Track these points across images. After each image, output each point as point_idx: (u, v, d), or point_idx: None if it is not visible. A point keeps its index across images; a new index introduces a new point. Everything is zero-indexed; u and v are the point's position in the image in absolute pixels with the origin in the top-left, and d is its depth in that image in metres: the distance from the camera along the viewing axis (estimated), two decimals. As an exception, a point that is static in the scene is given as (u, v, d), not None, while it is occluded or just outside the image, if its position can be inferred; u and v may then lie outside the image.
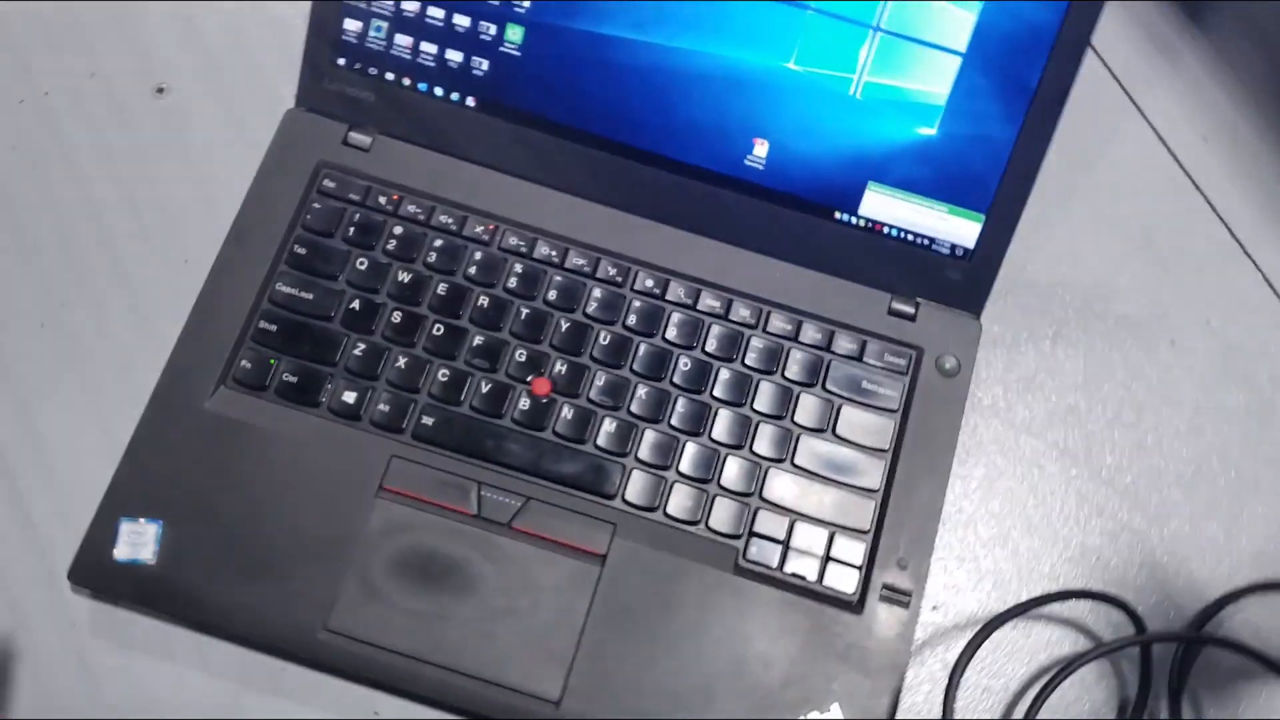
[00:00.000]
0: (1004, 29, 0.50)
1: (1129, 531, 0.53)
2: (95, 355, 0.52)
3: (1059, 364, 0.56)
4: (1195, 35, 0.62)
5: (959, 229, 0.53)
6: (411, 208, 0.53)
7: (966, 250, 0.53)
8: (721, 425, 0.51)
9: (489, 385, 0.50)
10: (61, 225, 0.54)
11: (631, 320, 0.52)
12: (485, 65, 0.53)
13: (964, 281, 0.54)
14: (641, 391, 0.51)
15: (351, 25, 0.53)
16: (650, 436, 0.50)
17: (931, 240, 0.53)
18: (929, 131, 0.52)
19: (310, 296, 0.51)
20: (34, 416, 0.51)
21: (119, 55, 0.58)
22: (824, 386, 0.52)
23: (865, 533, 0.50)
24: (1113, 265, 0.58)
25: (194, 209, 0.55)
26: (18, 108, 0.56)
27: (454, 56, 0.53)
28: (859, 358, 0.52)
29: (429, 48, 0.53)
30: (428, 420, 0.50)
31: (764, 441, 0.51)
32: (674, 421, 0.51)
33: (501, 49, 0.53)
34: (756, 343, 0.52)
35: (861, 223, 0.54)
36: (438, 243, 0.53)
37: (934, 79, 0.51)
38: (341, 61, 0.54)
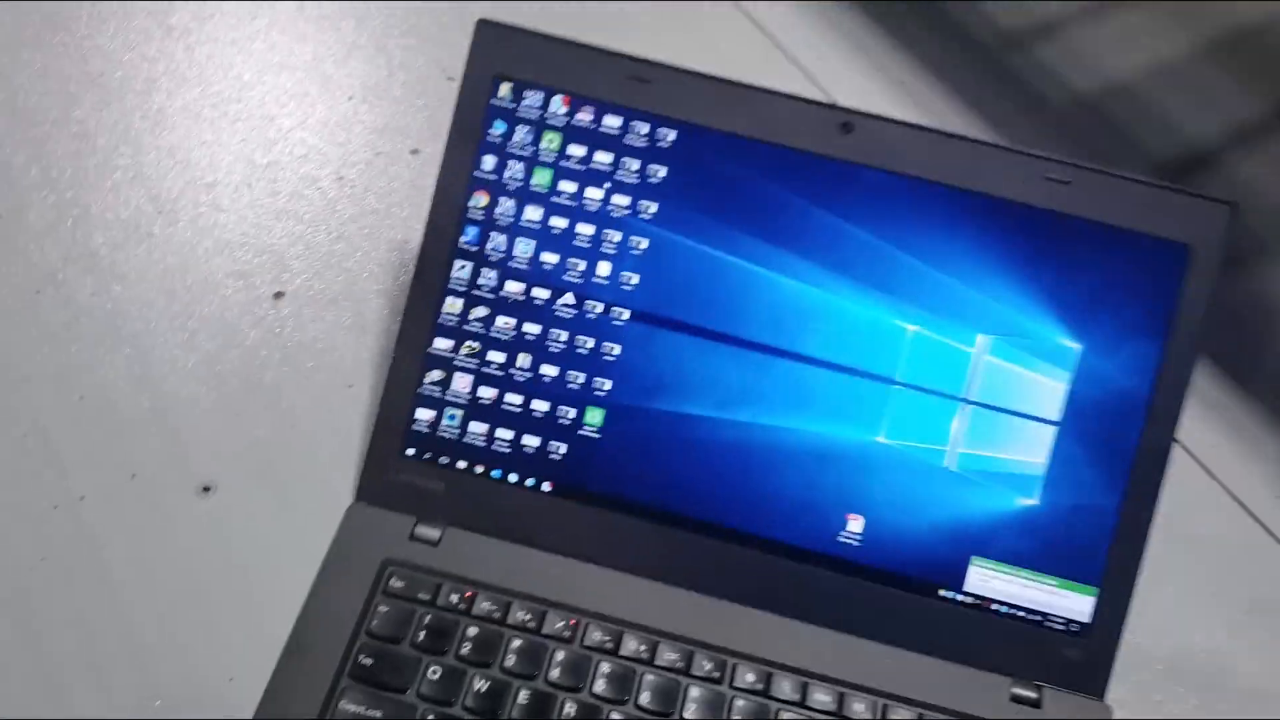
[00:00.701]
0: (1096, 397, 0.49)
1: None
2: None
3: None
4: (1251, 404, 0.63)
5: (1072, 603, 0.50)
6: (486, 604, 0.49)
7: (1083, 625, 0.50)
8: None
9: (584, 812, 0.43)
10: (92, 650, 0.48)
11: (737, 723, 0.47)
12: (563, 449, 0.51)
13: (1084, 660, 0.50)
14: (759, 810, 0.44)
15: (424, 415, 0.52)
16: None
17: (1044, 616, 0.50)
18: (1030, 502, 0.50)
19: (379, 715, 0.45)
20: None
21: (162, 452, 0.55)
22: (962, 793, 0.46)
23: None
24: (1225, 638, 0.54)
25: (242, 619, 0.49)
26: (50, 514, 0.52)
27: (530, 442, 0.51)
28: (994, 757, 0.47)
29: (505, 434, 0.51)
30: None
31: None
32: (800, 846, 0.44)
33: (580, 432, 0.51)
34: (879, 743, 0.47)
35: (968, 600, 0.50)
36: (516, 643, 0.48)
37: (1030, 449, 0.50)
38: (410, 452, 0.52)
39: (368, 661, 0.46)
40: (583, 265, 0.51)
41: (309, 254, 0.64)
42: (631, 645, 0.48)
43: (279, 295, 0.62)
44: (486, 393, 0.51)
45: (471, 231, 0.51)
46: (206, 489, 0.54)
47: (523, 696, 0.46)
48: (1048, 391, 0.50)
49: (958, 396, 0.50)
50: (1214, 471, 0.60)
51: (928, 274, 0.50)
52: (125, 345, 0.58)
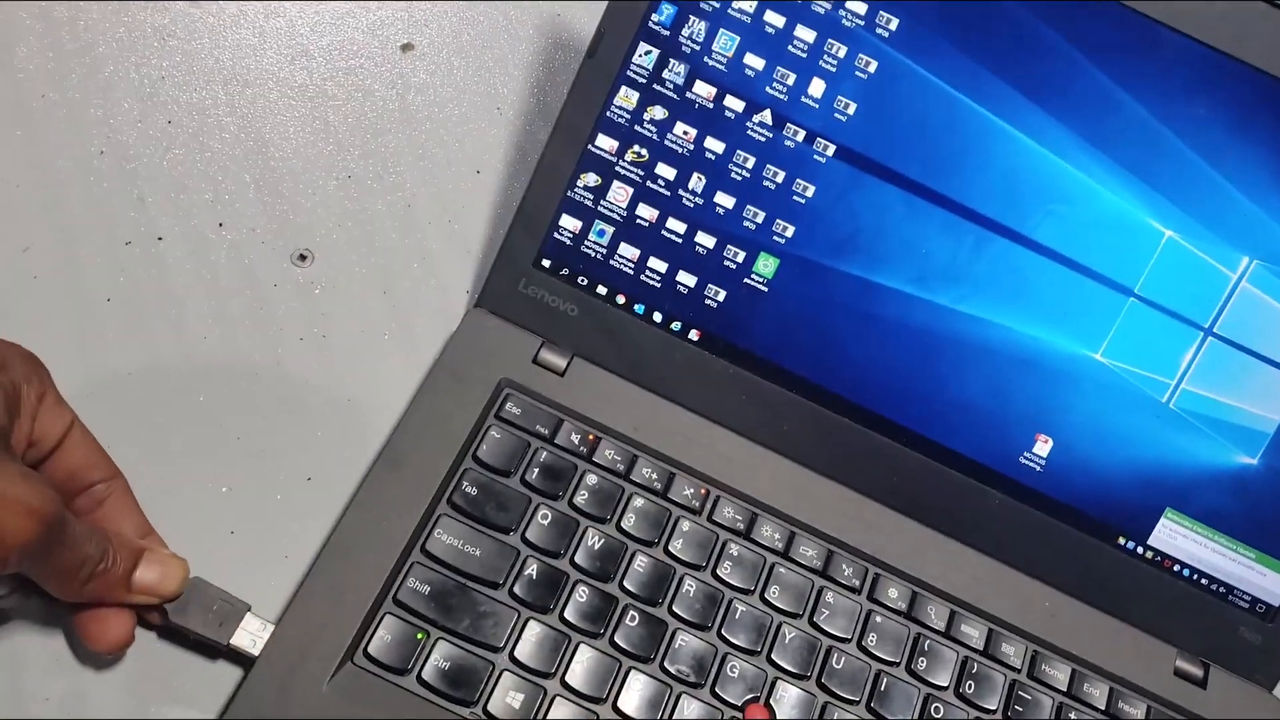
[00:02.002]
0: (1364, 358, 0.41)
1: None
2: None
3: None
4: None
5: (1266, 582, 0.43)
6: (610, 453, 0.42)
7: (1271, 609, 0.43)
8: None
9: (693, 707, 0.38)
10: (174, 409, 0.42)
11: (872, 641, 0.41)
12: (722, 296, 0.44)
13: (1262, 646, 0.44)
14: (885, 741, 0.39)
15: (569, 223, 0.44)
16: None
17: (1231, 590, 0.43)
18: (1250, 461, 0.42)
19: (478, 553, 0.39)
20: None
21: (256, 204, 0.47)
22: (1109, 766, 0.40)
23: None
24: None
25: (329, 411, 0.43)
26: (124, 249, 0.45)
27: (686, 280, 0.44)
28: (1147, 731, 0.41)
29: (658, 265, 0.44)
30: (611, 747, 0.37)
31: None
32: (925, 789, 0.38)
33: (746, 280, 0.43)
34: (1024, 694, 0.41)
35: (1150, 555, 0.44)
36: (638, 502, 0.41)
37: (1267, 402, 0.42)
38: (546, 263, 0.44)
39: (471, 491, 0.40)
40: (792, 79, 0.42)
41: (446, 4, 0.54)
42: (766, 531, 0.42)
43: (407, 47, 0.53)
44: (647, 212, 0.43)
45: (667, 10, 0.42)
46: (303, 257, 0.47)
47: (639, 563, 0.40)
48: (1309, 339, 0.42)
49: (1201, 325, 0.42)
50: None
51: (1204, 172, 0.41)
52: (224, 76, 0.50)
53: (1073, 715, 0.41)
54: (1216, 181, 0.41)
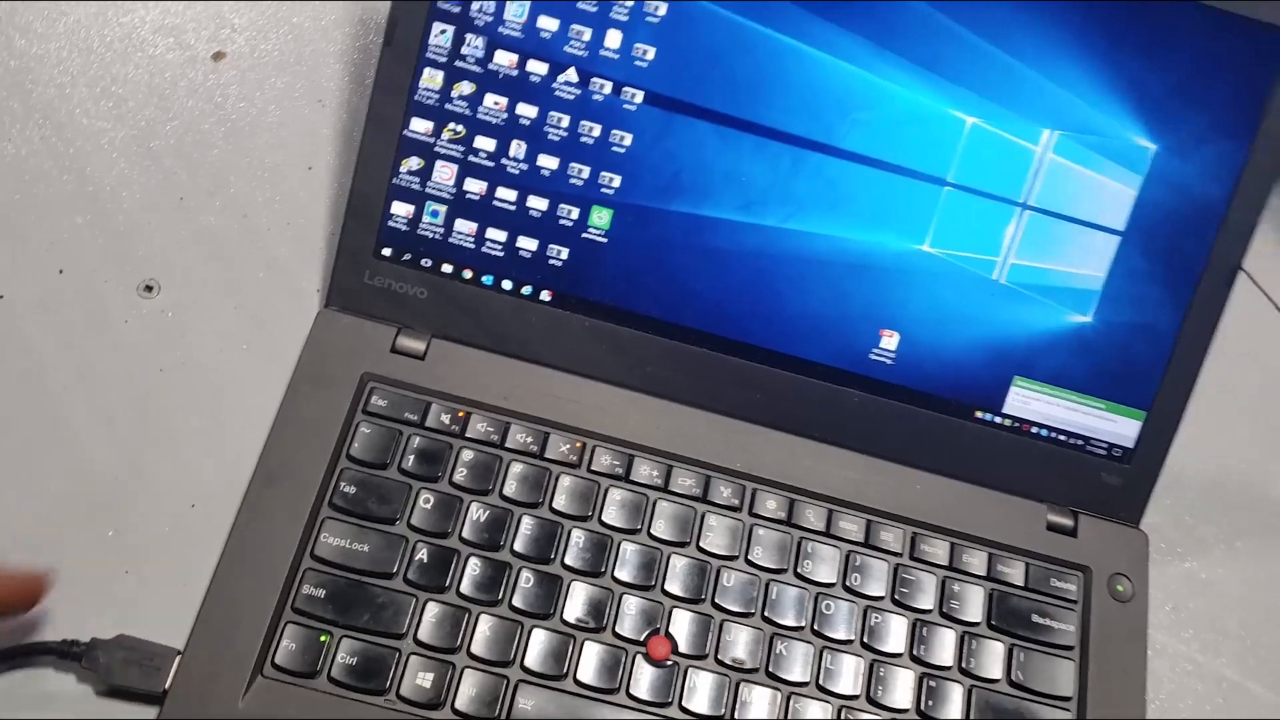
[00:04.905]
0: (1167, 205, 0.44)
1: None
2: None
3: (1226, 570, 0.48)
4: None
5: (1117, 428, 0.46)
6: (482, 425, 0.43)
7: (1126, 451, 0.46)
8: (887, 686, 0.41)
9: (596, 651, 0.40)
10: (29, 472, 0.42)
11: (757, 554, 0.43)
12: (564, 254, 0.45)
13: (1123, 487, 0.47)
14: (780, 648, 0.41)
15: (401, 210, 0.44)
16: (807, 708, 0.41)
17: (1087, 441, 0.46)
18: (1083, 319, 0.45)
19: (366, 548, 0.40)
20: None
21: (92, 243, 0.47)
22: (991, 625, 0.43)
23: (1064, 808, 0.41)
24: (1261, 461, 0.51)
25: (200, 438, 0.44)
26: (-33, 314, 0.45)
27: (527, 245, 0.45)
28: (1026, 586, 0.44)
29: (497, 235, 0.45)
30: (526, 704, 0.39)
31: (942, 704, 0.41)
32: (825, 683, 0.41)
33: (584, 235, 0.45)
34: (908, 575, 0.44)
35: (1007, 423, 0.46)
36: (516, 468, 0.43)
37: (1089, 261, 0.44)
38: (387, 252, 0.45)
39: (350, 490, 0.41)
40: (588, 34, 0.43)
41: (252, 7, 0.54)
42: (643, 470, 0.44)
43: (218, 56, 0.52)
44: (474, 185, 0.44)
45: (455, -13, 0.42)
46: (149, 288, 0.47)
47: (525, 526, 0.42)
48: (1115, 197, 0.44)
49: (1015, 200, 0.44)
50: (1272, 293, 0.56)
51: (993, 56, 0.43)
52: (37, 115, 0.49)
53: (956, 586, 0.44)
54: (1007, 63, 0.43)
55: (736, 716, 0.40)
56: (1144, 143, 0.43)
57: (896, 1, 0.42)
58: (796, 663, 0.41)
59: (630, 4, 0.42)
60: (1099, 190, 0.44)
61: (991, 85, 0.43)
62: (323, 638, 0.39)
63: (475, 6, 0.42)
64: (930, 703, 0.41)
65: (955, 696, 0.42)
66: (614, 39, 0.43)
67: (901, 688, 0.41)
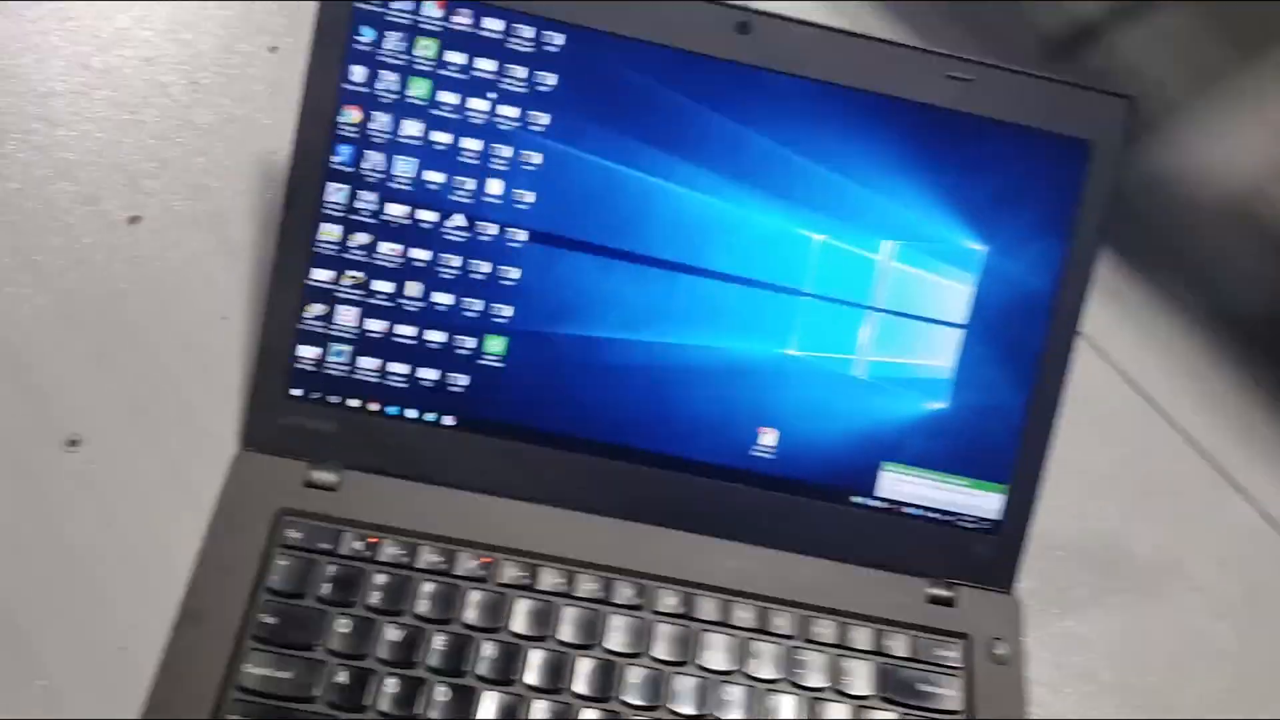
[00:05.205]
0: (1002, 297, 0.49)
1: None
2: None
3: (1099, 626, 0.53)
4: (1138, 282, 0.64)
5: (982, 502, 0.50)
6: (392, 549, 0.46)
7: (993, 523, 0.51)
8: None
9: (511, 754, 0.43)
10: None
11: (660, 650, 0.46)
12: (464, 381, 0.49)
13: (994, 556, 0.51)
14: (685, 733, 0.44)
15: (308, 352, 0.48)
16: (703, 786, 0.43)
17: (956, 516, 0.50)
18: (939, 405, 0.50)
19: (288, 675, 0.43)
20: None
21: (16, 402, 0.50)
22: (883, 697, 0.47)
23: None
24: (1120, 520, 0.56)
25: (127, 582, 0.46)
26: (-104, 482, 0.47)
27: (428, 375, 0.48)
28: (911, 658, 0.48)
29: (398, 369, 0.48)
30: (446, 811, 0.41)
31: (833, 775, 0.45)
32: (728, 764, 0.44)
33: (481, 362, 0.48)
34: (802, 656, 0.47)
35: (881, 505, 0.50)
36: (427, 587, 0.46)
37: (938, 353, 0.49)
38: (297, 392, 0.48)
39: (270, 620, 0.44)
40: (472, 184, 0.47)
41: (164, 171, 0.58)
42: (548, 579, 0.47)
43: (135, 220, 0.56)
44: (375, 325, 0.48)
45: (345, 151, 0.47)
46: (73, 442, 0.50)
47: (438, 642, 0.45)
48: (954, 295, 0.49)
49: (865, 304, 0.49)
50: (1112, 358, 0.61)
51: (831, 180, 0.48)
52: (-39, 289, 0.52)
53: (846, 663, 0.47)
54: (846, 186, 0.48)
55: (647, 805, 0.43)
56: (975, 246, 0.49)
57: (745, 140, 0.47)
58: (701, 748, 0.44)
59: (508, 155, 0.47)
60: (939, 290, 0.49)
61: (834, 206, 0.48)
62: (249, 765, 0.41)
63: (366, 164, 0.47)
64: (828, 775, 0.44)
65: (851, 767, 0.45)
66: (496, 186, 0.47)
67: (800, 763, 0.44)
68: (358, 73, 0.47)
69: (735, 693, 0.46)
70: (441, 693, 0.43)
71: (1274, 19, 0.79)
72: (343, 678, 0.43)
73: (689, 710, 0.45)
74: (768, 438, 0.50)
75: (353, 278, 0.48)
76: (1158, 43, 0.76)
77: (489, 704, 0.44)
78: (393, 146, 0.47)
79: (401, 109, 0.47)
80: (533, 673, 0.45)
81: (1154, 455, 0.59)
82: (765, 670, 0.46)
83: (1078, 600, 0.53)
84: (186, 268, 0.55)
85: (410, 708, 0.43)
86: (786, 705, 0.46)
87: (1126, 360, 0.61)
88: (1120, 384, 0.60)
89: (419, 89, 0.47)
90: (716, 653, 0.46)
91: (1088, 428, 0.57)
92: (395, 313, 0.48)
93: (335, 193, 0.47)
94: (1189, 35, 0.77)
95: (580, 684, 0.45)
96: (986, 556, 0.51)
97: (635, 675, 0.45)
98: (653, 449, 0.49)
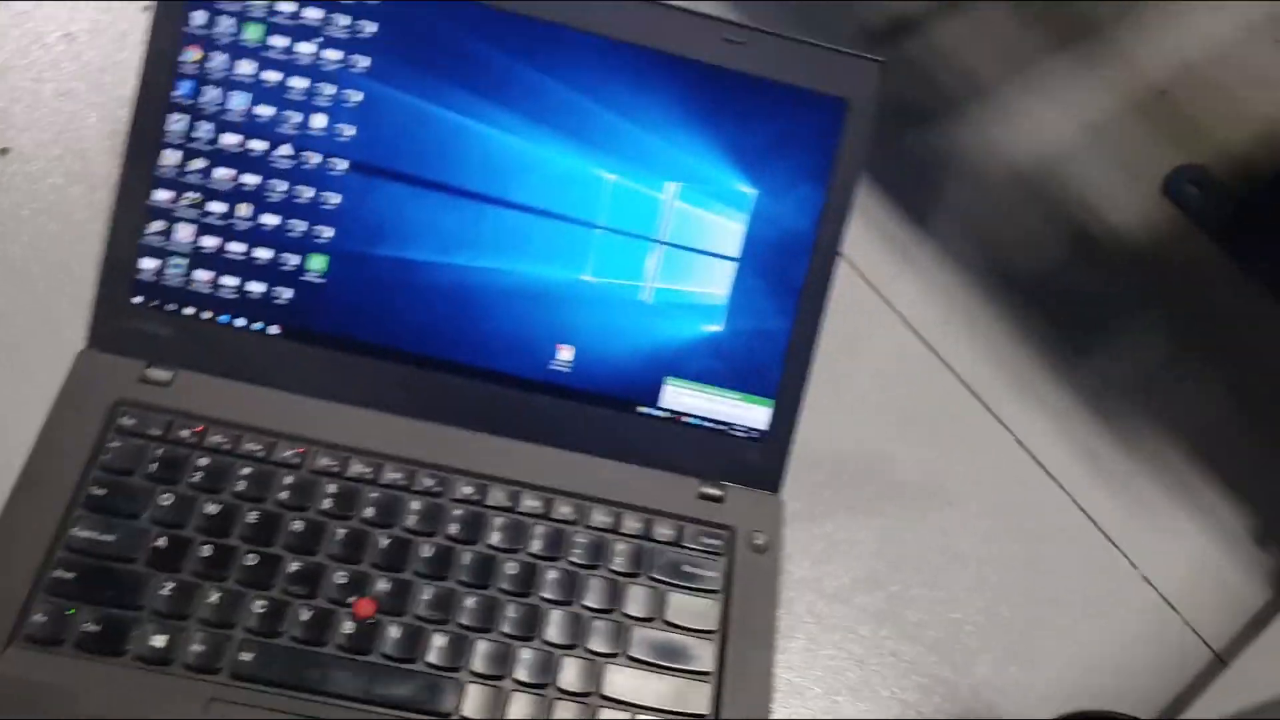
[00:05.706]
0: (770, 235, 0.56)
1: (941, 683, 0.56)
2: None
3: (855, 533, 0.60)
4: (924, 238, 0.72)
5: (752, 414, 0.57)
6: (216, 438, 0.52)
7: (761, 433, 0.58)
8: (554, 626, 0.51)
9: (309, 612, 0.49)
10: None
11: (454, 530, 0.53)
12: (288, 294, 0.54)
13: (762, 461, 0.58)
14: (469, 601, 0.51)
15: (149, 264, 0.54)
16: (483, 647, 0.50)
17: (729, 425, 0.57)
18: (716, 328, 0.57)
19: (112, 538, 0.49)
20: None
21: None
22: (649, 575, 0.53)
23: (705, 717, 0.50)
24: (886, 439, 0.64)
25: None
26: None
27: (256, 288, 0.54)
28: (678, 543, 0.55)
29: (230, 281, 0.54)
30: (246, 656, 0.47)
31: (598, 638, 0.51)
32: (506, 628, 0.51)
33: (304, 277, 0.54)
34: (579, 539, 0.54)
35: (663, 415, 0.57)
36: (246, 471, 0.52)
37: (715, 282, 0.56)
38: (138, 300, 0.54)
39: (100, 491, 0.49)
40: (298, 118, 0.53)
41: (34, 110, 0.63)
42: (357, 468, 0.53)
43: (4, 151, 0.61)
44: (209, 241, 0.54)
45: (185, 85, 0.53)
46: (-68, 342, 0.55)
47: (251, 516, 0.51)
48: (728, 231, 0.56)
49: (652, 238, 0.56)
50: (892, 302, 0.69)
51: (622, 127, 0.55)
52: None
53: (620, 545, 0.54)
54: (632, 132, 0.55)
55: (429, 657, 0.49)
56: (746, 189, 0.56)
57: (546, 88, 0.54)
58: (481, 611, 0.50)
59: (332, 93, 0.53)
60: (716, 227, 0.56)
61: (624, 150, 0.55)
62: (70, 611, 0.46)
63: (204, 99, 0.53)
64: (589, 638, 0.51)
65: (613, 633, 0.51)
66: (320, 121, 0.53)
67: (564, 626, 0.51)
68: (198, 17, 0.52)
69: (513, 567, 0.52)
70: (249, 558, 0.49)
71: (1082, 16, 0.88)
72: (162, 543, 0.49)
73: (473, 580, 0.51)
74: (565, 353, 0.56)
75: (190, 199, 0.54)
76: (974, 36, 0.84)
77: (293, 568, 0.49)
78: (228, 83, 0.53)
79: (237, 50, 0.53)
80: (335, 545, 0.51)
81: (925, 386, 0.66)
82: (546, 550, 0.53)
83: (839, 507, 0.61)
84: (52, 195, 0.60)
85: (222, 569, 0.49)
86: (556, 577, 0.52)
87: (906, 304, 0.69)
88: (900, 326, 0.68)
89: (253, 32, 0.53)
90: (501, 534, 0.53)
91: (868, 360, 0.65)
92: (227, 231, 0.54)
93: (176, 122, 0.53)
94: (1002, 29, 0.86)
95: (376, 556, 0.51)
96: (754, 462, 0.58)
97: (426, 549, 0.52)
98: (461, 360, 0.56)
